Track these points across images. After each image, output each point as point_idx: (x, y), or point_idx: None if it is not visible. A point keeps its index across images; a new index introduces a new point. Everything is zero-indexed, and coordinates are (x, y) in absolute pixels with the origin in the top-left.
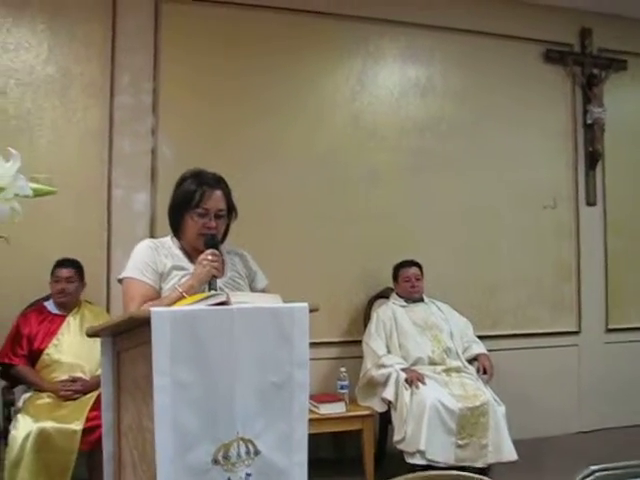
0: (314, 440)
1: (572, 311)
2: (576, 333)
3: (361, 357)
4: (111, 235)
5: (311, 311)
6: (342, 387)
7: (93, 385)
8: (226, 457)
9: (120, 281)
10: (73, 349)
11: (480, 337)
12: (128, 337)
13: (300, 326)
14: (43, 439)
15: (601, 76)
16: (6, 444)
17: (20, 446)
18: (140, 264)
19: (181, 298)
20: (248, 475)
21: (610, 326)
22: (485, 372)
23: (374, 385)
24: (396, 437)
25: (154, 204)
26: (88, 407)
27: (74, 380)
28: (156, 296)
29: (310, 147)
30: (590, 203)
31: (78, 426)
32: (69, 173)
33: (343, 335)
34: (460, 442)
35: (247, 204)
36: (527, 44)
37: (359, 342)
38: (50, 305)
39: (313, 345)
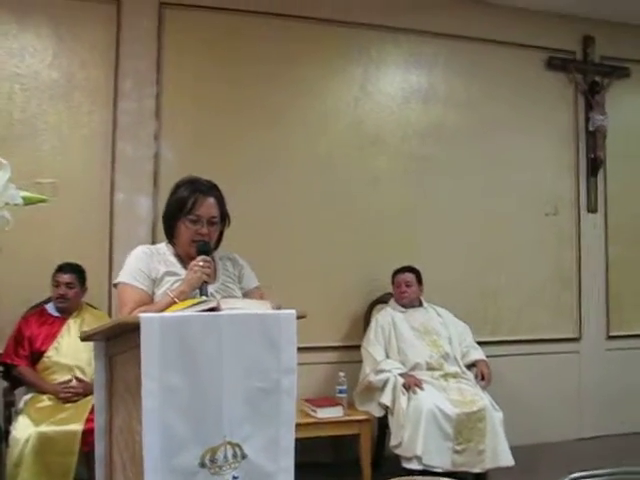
0: (312, 444)
1: (572, 317)
2: (576, 340)
3: (360, 362)
4: (113, 239)
5: (299, 317)
6: (340, 391)
7: (93, 387)
8: (213, 460)
9: (115, 286)
10: (73, 352)
11: (480, 343)
12: (120, 341)
13: (287, 333)
14: (43, 441)
15: (603, 83)
16: (7, 445)
17: (21, 448)
18: (134, 270)
19: (172, 303)
20: (235, 478)
21: (611, 333)
22: (483, 378)
23: (372, 390)
24: (393, 442)
25: (156, 208)
26: (88, 409)
27: (78, 380)
28: (149, 301)
29: (312, 153)
30: (591, 210)
31: (78, 427)
32: (73, 177)
33: (343, 340)
34: (457, 447)
35: (248, 209)
36: (529, 51)
37: (359, 347)
38: (51, 308)
39: (312, 349)
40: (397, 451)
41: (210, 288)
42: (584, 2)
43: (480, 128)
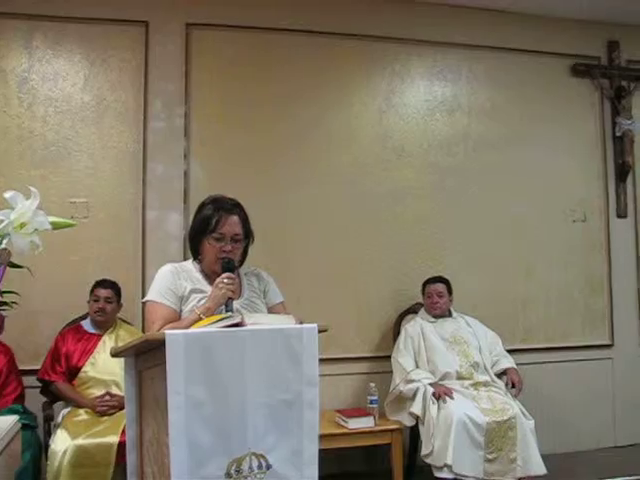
0: (345, 454)
1: (604, 324)
2: (609, 346)
3: (391, 372)
4: (146, 256)
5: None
6: (372, 402)
7: None
8: (239, 471)
9: (144, 304)
10: (109, 367)
11: (511, 351)
12: (148, 357)
13: (309, 346)
14: (80, 454)
15: (629, 88)
16: (47, 458)
17: (59, 460)
18: (162, 288)
19: (198, 320)
20: None
21: None
22: (514, 386)
23: (403, 400)
24: (424, 451)
25: (187, 225)
26: (124, 422)
27: (111, 395)
28: (176, 318)
29: (339, 167)
30: (621, 215)
31: (114, 440)
32: (105, 196)
33: (373, 350)
34: (489, 456)
35: (278, 225)
36: (553, 58)
37: (389, 357)
38: (87, 324)
39: (343, 360)
40: (428, 460)
41: (235, 304)
42: (607, 7)
43: (505, 137)
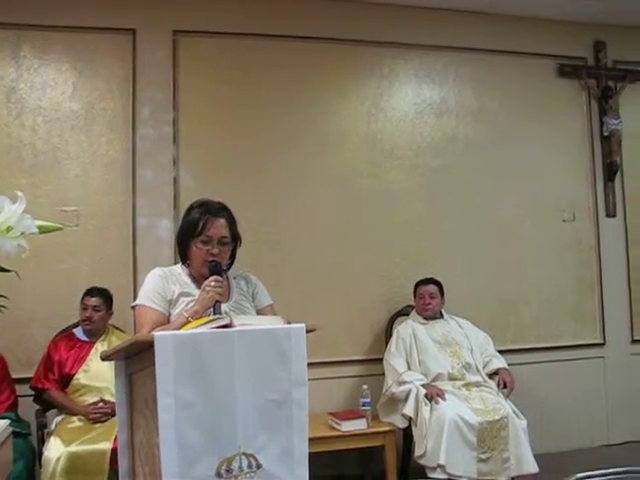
0: (338, 457)
1: (596, 323)
2: (601, 345)
3: (383, 374)
4: (137, 262)
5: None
6: (364, 404)
7: None
8: (229, 470)
9: (133, 308)
10: (101, 374)
11: (502, 351)
12: (137, 360)
13: (297, 346)
14: (73, 461)
15: (616, 88)
16: (40, 466)
17: (52, 467)
18: (150, 292)
19: (187, 323)
20: None
21: (636, 337)
22: (505, 386)
23: (395, 401)
24: (417, 452)
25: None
26: (117, 428)
27: (104, 402)
28: (165, 322)
29: (328, 170)
30: (610, 215)
31: (107, 446)
32: (96, 204)
33: (365, 353)
34: (482, 456)
35: (268, 228)
36: (540, 59)
37: (381, 360)
38: (79, 332)
39: (336, 364)
40: (421, 461)
41: (224, 306)
42: (593, 8)
43: (494, 138)
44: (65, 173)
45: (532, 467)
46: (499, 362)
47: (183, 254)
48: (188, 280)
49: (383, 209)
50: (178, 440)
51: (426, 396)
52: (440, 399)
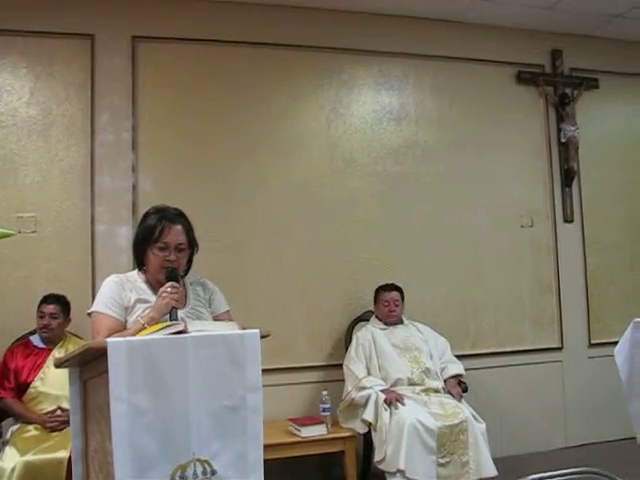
0: (299, 463)
1: (554, 327)
2: (559, 349)
3: (343, 380)
4: (95, 269)
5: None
6: (324, 410)
7: None
8: (183, 477)
9: (89, 315)
10: (58, 382)
11: (462, 356)
12: (92, 367)
13: (251, 352)
14: (29, 471)
15: (573, 95)
16: None
17: (7, 478)
18: (106, 299)
19: (143, 329)
20: None
21: (593, 341)
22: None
23: (355, 407)
24: (377, 457)
25: None
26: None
27: (62, 410)
28: (121, 328)
29: (288, 177)
30: (567, 220)
31: (64, 455)
32: (54, 210)
33: (325, 359)
34: (441, 460)
35: (227, 236)
36: (499, 67)
37: (341, 365)
38: (36, 339)
39: (295, 369)
40: (381, 466)
41: (180, 313)
42: (550, 17)
43: (453, 144)
44: (22, 179)
45: (491, 471)
46: (454, 368)
47: (139, 260)
48: (144, 286)
49: (343, 215)
50: (131, 447)
51: (385, 401)
52: (399, 404)
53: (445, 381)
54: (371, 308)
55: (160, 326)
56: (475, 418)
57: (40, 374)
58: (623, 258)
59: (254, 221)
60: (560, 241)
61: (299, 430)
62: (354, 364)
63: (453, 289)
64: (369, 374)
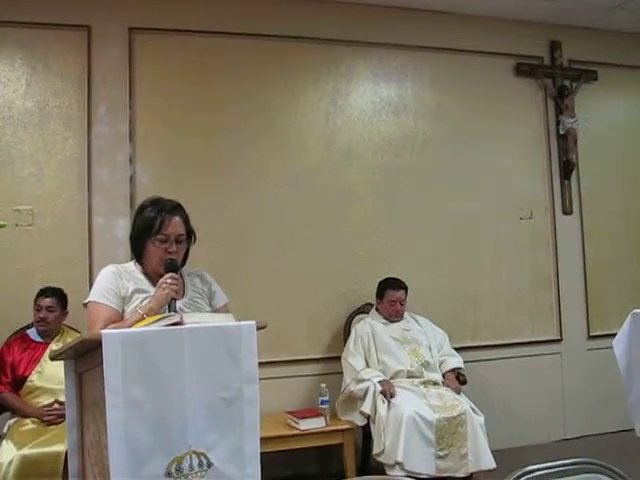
0: (298, 456)
1: (553, 319)
2: (558, 341)
3: (342, 373)
4: (93, 261)
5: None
6: (323, 402)
7: None
8: (179, 469)
9: (86, 305)
10: (56, 375)
11: (461, 348)
12: (87, 359)
13: (248, 343)
14: (26, 464)
15: (572, 87)
16: None
17: (4, 472)
18: (103, 289)
19: (141, 319)
20: None
21: (592, 333)
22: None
23: (354, 399)
24: (375, 450)
25: None
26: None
27: (59, 403)
28: (119, 319)
29: (286, 169)
30: (566, 212)
31: (61, 448)
32: (51, 202)
33: (324, 352)
34: (440, 453)
35: (226, 227)
36: (498, 58)
37: (339, 358)
38: (33, 333)
39: (294, 362)
40: (380, 459)
41: (179, 304)
42: (549, 8)
43: (452, 137)
44: (19, 172)
45: (490, 463)
46: (453, 362)
47: (137, 252)
48: (142, 277)
49: (341, 207)
50: (127, 439)
51: (382, 392)
52: (397, 395)
53: (444, 375)
54: (370, 300)
55: (156, 318)
56: (474, 410)
57: (37, 368)
58: (622, 250)
59: (252, 213)
60: (559, 233)
61: (298, 423)
62: (352, 357)
63: (452, 281)
64: (368, 367)
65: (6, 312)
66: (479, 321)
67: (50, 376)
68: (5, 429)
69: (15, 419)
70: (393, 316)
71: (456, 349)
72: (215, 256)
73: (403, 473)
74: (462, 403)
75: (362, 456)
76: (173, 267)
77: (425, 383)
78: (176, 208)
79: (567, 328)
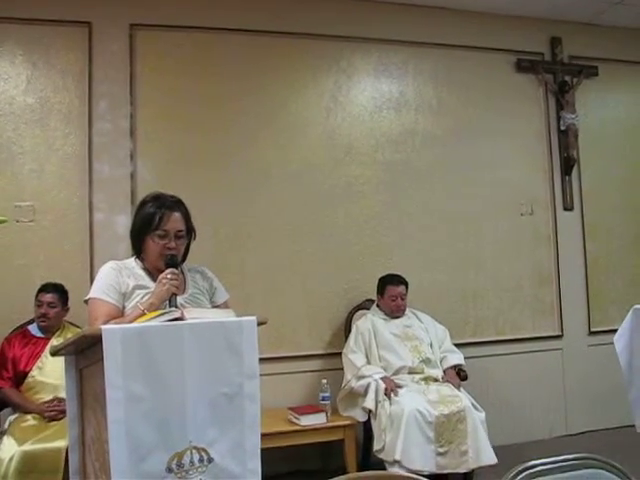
0: (299, 452)
1: (554, 315)
2: (559, 337)
3: (343, 369)
4: (94, 257)
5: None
6: (324, 398)
7: None
8: (180, 465)
9: (86, 302)
10: (56, 371)
11: (462, 344)
12: (87, 354)
13: (249, 339)
14: (27, 460)
15: (572, 83)
16: None
17: (5, 468)
18: (104, 285)
19: (142, 315)
20: None
21: (592, 329)
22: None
23: (355, 396)
24: (376, 446)
25: None
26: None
27: (59, 400)
28: (119, 315)
29: (287, 165)
30: (567, 208)
31: (62, 444)
32: (52, 199)
33: (325, 348)
34: (440, 450)
35: (228, 223)
36: (498, 54)
37: (340, 354)
38: (34, 329)
39: (295, 358)
40: (380, 455)
41: (179, 299)
42: (550, 4)
43: (453, 133)
44: (20, 168)
45: (491, 458)
46: (454, 359)
47: (137, 248)
48: (143, 273)
49: (342, 203)
50: (128, 435)
51: (385, 393)
52: (399, 391)
53: (444, 371)
54: (370, 297)
55: (156, 313)
56: (475, 407)
57: (38, 363)
58: (623, 246)
59: (253, 209)
60: (560, 229)
61: (299, 419)
62: (353, 353)
63: (453, 277)
64: (369, 363)
65: (7, 308)
66: (480, 317)
67: (51, 372)
68: (6, 425)
69: (16, 415)
70: (395, 312)
71: (457, 345)
72: (216, 251)
73: (403, 470)
74: (462, 399)
75: (363, 452)
76: (173, 263)
77: (425, 379)
78: (176, 204)
79: (568, 324)
